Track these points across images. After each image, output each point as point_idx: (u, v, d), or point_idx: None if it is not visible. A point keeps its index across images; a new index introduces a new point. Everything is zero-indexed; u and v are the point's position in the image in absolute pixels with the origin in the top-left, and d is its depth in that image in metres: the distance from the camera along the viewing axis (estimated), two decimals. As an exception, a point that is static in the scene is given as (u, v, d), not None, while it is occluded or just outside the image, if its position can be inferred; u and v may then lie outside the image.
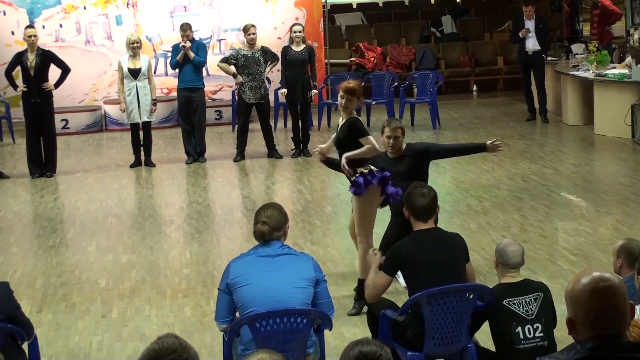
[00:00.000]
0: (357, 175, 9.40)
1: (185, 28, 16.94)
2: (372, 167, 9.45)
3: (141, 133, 16.80)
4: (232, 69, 16.75)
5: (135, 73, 16.46)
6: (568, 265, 10.41)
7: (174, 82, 18.67)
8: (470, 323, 7.15)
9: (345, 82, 9.97)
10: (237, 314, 6.85)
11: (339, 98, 9.84)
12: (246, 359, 4.35)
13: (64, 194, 15.41)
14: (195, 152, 17.16)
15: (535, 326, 6.86)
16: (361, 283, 9.12)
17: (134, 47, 16.53)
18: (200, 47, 17.17)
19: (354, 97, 9.70)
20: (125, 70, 16.43)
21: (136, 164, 16.87)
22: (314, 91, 17.19)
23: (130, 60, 16.50)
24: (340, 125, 9.84)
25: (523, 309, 6.87)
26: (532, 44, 19.51)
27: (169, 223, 13.29)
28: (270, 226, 6.90)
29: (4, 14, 21.13)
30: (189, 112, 17.06)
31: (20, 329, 6.87)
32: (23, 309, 7.18)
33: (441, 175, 15.50)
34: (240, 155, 17.17)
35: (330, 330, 7.11)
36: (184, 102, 17.04)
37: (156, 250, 11.83)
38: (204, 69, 17.47)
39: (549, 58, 20.31)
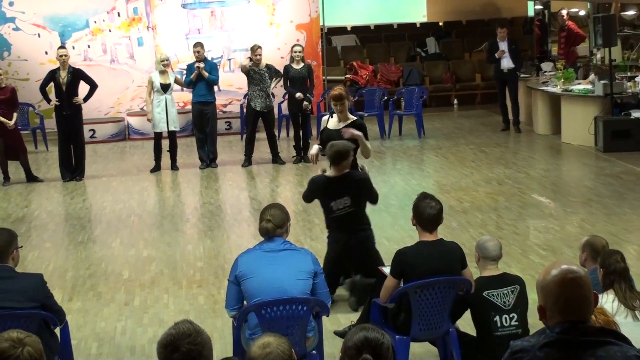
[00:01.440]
0: None
1: (197, 45, 16.97)
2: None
3: (165, 141, 16.78)
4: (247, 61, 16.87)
5: (165, 87, 16.48)
6: (538, 259, 10.40)
7: (189, 96, 18.65)
8: (451, 311, 7.15)
9: (332, 91, 10.06)
10: (245, 302, 6.85)
11: (332, 107, 9.91)
12: (254, 342, 4.34)
13: (92, 196, 15.39)
14: (208, 158, 17.15)
15: (511, 315, 6.86)
16: None
17: (165, 64, 16.55)
18: (212, 67, 17.17)
19: (344, 100, 9.79)
20: (158, 85, 16.44)
21: (156, 168, 16.85)
22: (306, 103, 17.11)
23: (161, 76, 16.51)
24: (340, 128, 9.87)
25: (501, 300, 6.87)
26: (506, 63, 19.49)
27: (184, 221, 13.28)
28: (274, 224, 6.93)
29: (39, 36, 21.13)
30: (202, 123, 17.05)
31: (53, 316, 6.86)
32: (55, 297, 7.15)
33: (425, 179, 15.52)
34: (247, 161, 17.17)
35: (327, 316, 7.11)
36: (198, 114, 17.03)
37: (173, 246, 11.82)
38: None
39: (521, 75, 20.30)
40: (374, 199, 9.40)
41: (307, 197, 9.38)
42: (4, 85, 16.21)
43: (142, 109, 19.14)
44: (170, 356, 4.26)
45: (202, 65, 16.79)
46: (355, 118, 10.28)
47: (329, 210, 9.15)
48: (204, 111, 16.97)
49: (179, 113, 17.36)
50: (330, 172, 9.11)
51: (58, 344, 7.04)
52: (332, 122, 10.21)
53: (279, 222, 6.98)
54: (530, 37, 25.85)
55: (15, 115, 16.10)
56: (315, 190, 9.24)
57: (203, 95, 16.97)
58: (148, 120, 16.97)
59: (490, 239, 7.19)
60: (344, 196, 9.02)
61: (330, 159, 9.04)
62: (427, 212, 7.12)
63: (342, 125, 10.01)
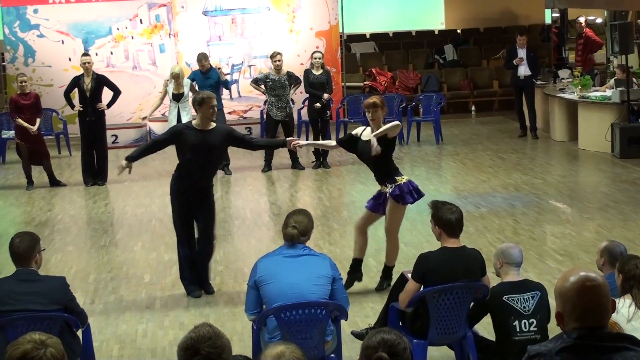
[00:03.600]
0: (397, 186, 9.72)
1: (201, 58, 16.97)
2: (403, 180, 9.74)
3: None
4: (262, 88, 16.85)
5: (177, 97, 16.50)
6: (555, 264, 10.37)
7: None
8: (470, 315, 7.14)
9: (367, 99, 10.03)
10: (264, 307, 6.85)
11: (366, 114, 9.93)
12: (265, 353, 4.29)
13: (114, 200, 15.43)
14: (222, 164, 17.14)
15: (530, 321, 6.82)
16: (387, 267, 9.91)
17: (176, 80, 16.56)
18: (217, 75, 17.10)
19: (377, 109, 9.73)
20: (171, 94, 16.50)
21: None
22: (326, 95, 17.09)
23: (175, 86, 16.54)
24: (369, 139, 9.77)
25: (521, 305, 6.84)
26: (524, 70, 19.46)
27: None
28: (299, 231, 6.96)
29: (62, 42, 21.20)
30: None
31: (75, 318, 6.88)
32: (77, 300, 7.18)
33: (443, 185, 15.49)
34: (267, 167, 17.18)
35: (346, 320, 7.10)
36: None
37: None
38: (236, 91, 17.48)
39: (538, 82, 20.25)
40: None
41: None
42: (27, 91, 16.29)
43: (163, 114, 19.15)
44: (190, 359, 4.26)
45: (223, 69, 16.86)
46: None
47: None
48: None
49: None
50: None
51: (80, 346, 7.06)
52: (366, 133, 10.10)
53: (304, 229, 7.03)
54: (548, 45, 25.79)
55: (38, 120, 16.16)
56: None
57: None
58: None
59: (514, 246, 7.20)
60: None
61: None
62: (448, 217, 7.09)
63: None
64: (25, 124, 15.90)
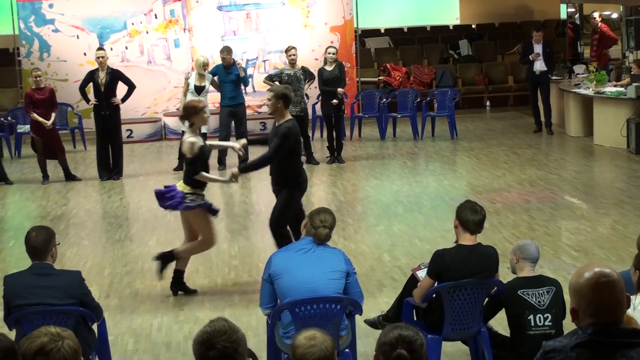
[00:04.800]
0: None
1: (224, 51, 16.98)
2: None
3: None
4: (277, 85, 16.85)
5: (199, 90, 16.44)
6: (570, 260, 10.35)
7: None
8: (485, 310, 7.14)
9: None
10: (278, 301, 6.87)
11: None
12: (302, 332, 4.44)
13: (129, 195, 15.47)
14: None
15: (545, 316, 6.82)
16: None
17: (205, 69, 16.54)
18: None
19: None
20: (192, 87, 16.45)
21: (180, 168, 16.84)
22: (340, 89, 17.08)
23: (197, 78, 16.51)
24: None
25: (536, 300, 6.84)
26: (539, 65, 19.43)
27: (219, 220, 13.26)
28: (329, 230, 6.98)
29: (77, 37, 21.26)
30: (234, 124, 16.99)
31: (91, 312, 6.90)
32: (93, 294, 7.20)
33: (458, 180, 15.48)
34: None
35: (360, 315, 7.11)
36: (228, 115, 16.85)
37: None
38: (250, 86, 17.51)
39: (554, 77, 20.21)
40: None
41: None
42: (42, 86, 16.34)
43: (178, 109, 19.18)
44: (206, 353, 4.28)
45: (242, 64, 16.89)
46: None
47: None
48: (235, 112, 16.93)
49: (213, 114, 17.33)
50: None
51: (95, 340, 7.09)
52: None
53: (331, 226, 7.09)
54: (563, 40, 25.71)
55: (53, 115, 16.21)
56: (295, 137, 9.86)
57: (233, 98, 16.93)
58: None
59: (529, 242, 7.21)
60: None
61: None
62: (470, 216, 7.07)
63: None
64: (40, 119, 15.95)
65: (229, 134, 16.97)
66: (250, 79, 21.37)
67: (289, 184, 9.90)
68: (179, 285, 9.87)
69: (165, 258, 9.85)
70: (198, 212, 9.71)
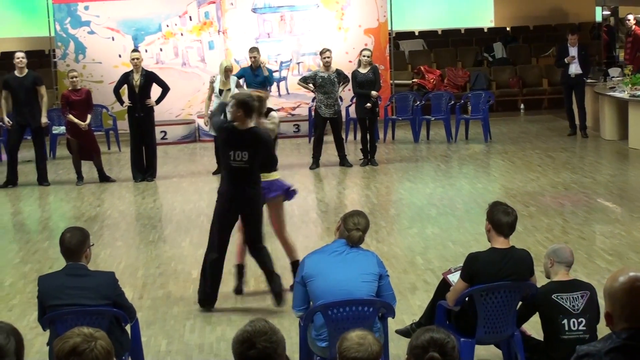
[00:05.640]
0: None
1: (253, 50, 17.05)
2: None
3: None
4: (311, 87, 16.88)
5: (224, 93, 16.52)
6: (604, 264, 10.29)
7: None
8: (518, 314, 7.11)
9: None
10: (311, 303, 6.86)
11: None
12: (354, 330, 4.51)
13: (162, 196, 15.52)
14: None
15: (579, 320, 6.77)
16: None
17: (228, 74, 16.57)
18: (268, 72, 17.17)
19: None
20: (217, 90, 16.48)
21: (218, 171, 16.86)
22: (374, 92, 17.06)
23: (222, 82, 16.55)
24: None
25: (570, 304, 6.80)
26: (574, 68, 19.35)
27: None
28: (363, 232, 6.97)
29: (113, 39, 21.39)
30: None
31: (124, 313, 6.92)
32: (126, 295, 7.22)
33: (491, 183, 15.44)
34: (315, 164, 17.20)
35: (393, 318, 7.09)
36: None
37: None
38: (284, 88, 17.53)
39: (588, 80, 20.11)
40: (269, 163, 9.57)
41: (215, 121, 9.51)
42: (79, 87, 16.43)
43: (201, 113, 19.27)
44: (246, 352, 4.31)
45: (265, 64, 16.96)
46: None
47: (226, 157, 9.13)
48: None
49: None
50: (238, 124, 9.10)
51: (129, 341, 7.11)
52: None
53: (365, 229, 7.06)
54: (598, 43, 25.60)
55: (89, 117, 16.29)
56: (220, 131, 9.37)
57: None
58: (205, 123, 17.10)
59: (563, 246, 7.16)
60: (244, 150, 9.00)
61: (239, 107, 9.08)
62: (503, 218, 7.03)
63: None
64: (76, 120, 16.04)
65: None
66: (283, 81, 21.45)
67: None
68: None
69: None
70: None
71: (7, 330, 4.24)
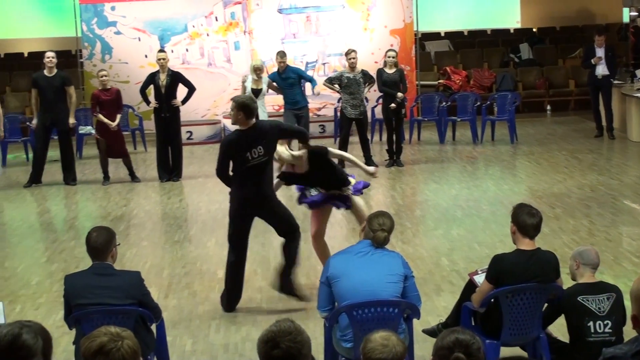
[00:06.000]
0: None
1: (280, 54, 17.03)
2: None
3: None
4: (336, 87, 16.87)
5: (256, 93, 16.50)
6: (631, 266, 10.24)
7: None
8: (544, 316, 7.09)
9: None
10: (336, 304, 6.86)
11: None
12: (378, 331, 4.50)
13: (188, 196, 15.56)
14: None
15: (605, 322, 6.74)
16: None
17: (258, 73, 16.59)
18: (297, 71, 17.15)
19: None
20: (249, 90, 16.51)
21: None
22: (400, 94, 17.06)
23: (254, 82, 16.57)
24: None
25: (596, 306, 6.77)
26: (601, 69, 19.27)
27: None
28: (388, 233, 6.97)
29: (139, 39, 21.47)
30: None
31: (150, 313, 6.94)
32: (152, 295, 7.24)
33: (517, 185, 15.39)
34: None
35: (418, 319, 7.08)
36: (292, 118, 16.98)
37: (267, 246, 11.87)
38: (310, 89, 17.53)
39: (615, 81, 20.03)
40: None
41: (221, 162, 9.21)
42: (109, 87, 16.47)
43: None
44: (270, 352, 4.32)
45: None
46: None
47: (243, 162, 9.02)
48: (299, 115, 16.98)
49: (273, 116, 17.39)
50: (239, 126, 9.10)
51: (154, 341, 7.13)
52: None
53: (390, 229, 7.07)
54: (625, 44, 25.48)
55: (118, 116, 16.33)
56: (228, 149, 9.14)
57: (296, 102, 16.99)
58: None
59: (591, 248, 7.12)
60: (258, 145, 9.02)
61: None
62: (528, 220, 7.01)
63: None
64: (106, 120, 16.11)
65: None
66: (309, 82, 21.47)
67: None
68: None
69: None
70: None
71: (35, 330, 4.27)
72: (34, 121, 16.35)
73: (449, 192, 14.87)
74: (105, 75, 16.45)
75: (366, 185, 10.08)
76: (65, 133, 16.36)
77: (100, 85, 16.53)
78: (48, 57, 16.19)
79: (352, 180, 9.84)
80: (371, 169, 10.54)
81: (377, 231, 6.98)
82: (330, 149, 9.90)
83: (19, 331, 4.24)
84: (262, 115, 16.53)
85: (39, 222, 14.24)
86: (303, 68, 21.11)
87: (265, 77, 16.76)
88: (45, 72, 16.14)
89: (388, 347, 4.38)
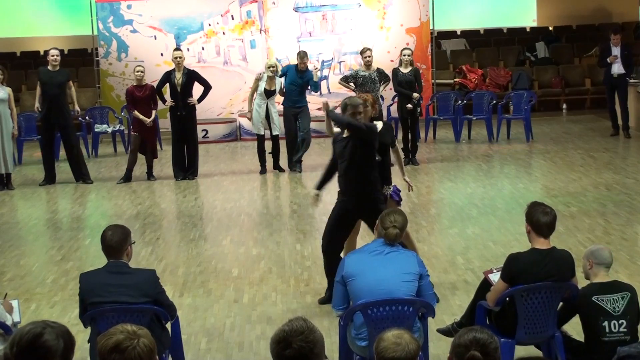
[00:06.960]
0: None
1: (302, 55, 16.98)
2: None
3: (267, 143, 16.85)
4: (352, 86, 16.84)
5: (269, 93, 16.49)
6: (647, 266, 10.23)
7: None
8: (558, 315, 7.08)
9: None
10: (351, 302, 6.87)
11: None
12: (391, 329, 4.52)
13: (203, 194, 15.58)
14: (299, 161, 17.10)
15: (620, 322, 6.72)
16: None
17: (273, 71, 16.56)
18: (311, 78, 17.12)
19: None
20: (261, 89, 16.50)
21: (263, 171, 16.90)
22: (415, 95, 17.06)
23: (268, 81, 16.54)
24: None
25: (610, 306, 6.75)
26: (617, 68, 19.23)
27: (293, 221, 13.34)
28: (400, 230, 6.96)
29: (155, 38, 21.50)
30: (295, 126, 17.00)
31: (165, 311, 6.95)
32: (167, 293, 7.25)
33: (533, 183, 15.36)
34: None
35: (433, 318, 7.07)
36: (290, 117, 16.95)
37: (282, 245, 11.89)
38: (325, 87, 17.54)
39: (632, 80, 19.97)
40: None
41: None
42: (144, 84, 16.51)
43: (243, 110, 19.30)
44: (282, 352, 4.32)
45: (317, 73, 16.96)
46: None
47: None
48: (297, 112, 16.92)
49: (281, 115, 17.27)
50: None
51: (169, 339, 7.14)
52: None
53: (402, 227, 7.04)
54: (642, 42, 25.42)
55: (154, 112, 16.39)
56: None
57: (297, 101, 16.93)
58: (247, 118, 17.14)
59: (603, 247, 7.09)
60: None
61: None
62: (542, 219, 6.99)
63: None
64: (141, 116, 16.18)
65: (295, 133, 17.02)
66: (324, 79, 21.46)
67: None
68: None
69: None
70: None
71: (58, 332, 4.28)
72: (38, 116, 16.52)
73: (464, 191, 14.85)
74: (142, 71, 16.49)
75: (400, 197, 10.15)
76: (67, 130, 16.39)
77: (135, 81, 16.57)
78: (52, 55, 16.24)
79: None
80: (407, 179, 10.69)
81: (389, 228, 6.97)
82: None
83: (41, 331, 4.25)
84: (275, 117, 16.54)
85: (54, 220, 14.27)
86: (319, 66, 21.10)
87: (279, 80, 16.66)
88: (49, 67, 16.20)
89: (401, 346, 4.39)
